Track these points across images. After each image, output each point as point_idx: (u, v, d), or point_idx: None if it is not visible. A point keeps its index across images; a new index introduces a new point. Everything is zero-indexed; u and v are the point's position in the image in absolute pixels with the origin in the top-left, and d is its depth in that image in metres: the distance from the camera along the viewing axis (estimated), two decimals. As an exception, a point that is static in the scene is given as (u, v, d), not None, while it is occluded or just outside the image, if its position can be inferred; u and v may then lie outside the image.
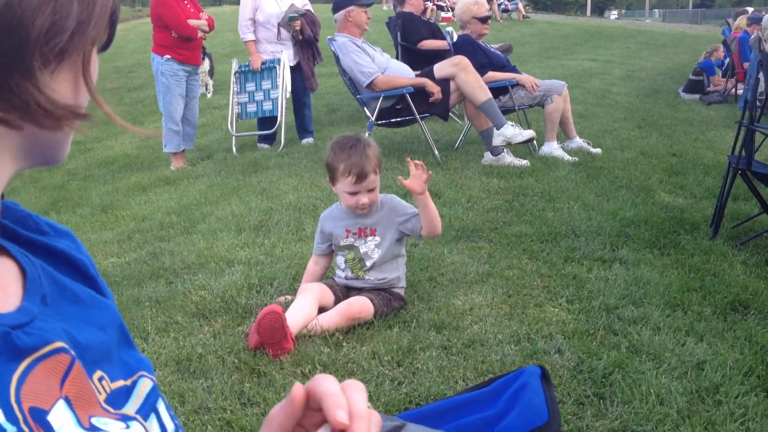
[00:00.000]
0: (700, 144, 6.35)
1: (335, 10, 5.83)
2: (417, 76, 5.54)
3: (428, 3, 15.09)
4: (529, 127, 5.62)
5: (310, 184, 5.02)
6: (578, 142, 5.91)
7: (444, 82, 5.36)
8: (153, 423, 0.60)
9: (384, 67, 5.56)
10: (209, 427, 2.07)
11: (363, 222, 2.91)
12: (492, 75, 5.77)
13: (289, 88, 6.82)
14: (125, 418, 0.56)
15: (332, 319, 2.69)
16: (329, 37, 5.88)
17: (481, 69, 5.59)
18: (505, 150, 5.31)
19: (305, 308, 2.70)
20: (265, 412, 2.09)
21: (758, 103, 4.38)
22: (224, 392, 2.25)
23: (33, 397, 0.48)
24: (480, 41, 6.10)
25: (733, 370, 2.27)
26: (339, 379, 0.56)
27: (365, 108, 5.72)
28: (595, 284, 3.03)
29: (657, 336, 2.53)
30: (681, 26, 29.35)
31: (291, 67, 6.90)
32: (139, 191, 5.84)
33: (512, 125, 5.22)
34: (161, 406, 0.62)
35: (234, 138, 7.03)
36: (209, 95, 10.97)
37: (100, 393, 0.55)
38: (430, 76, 5.44)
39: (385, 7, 21.03)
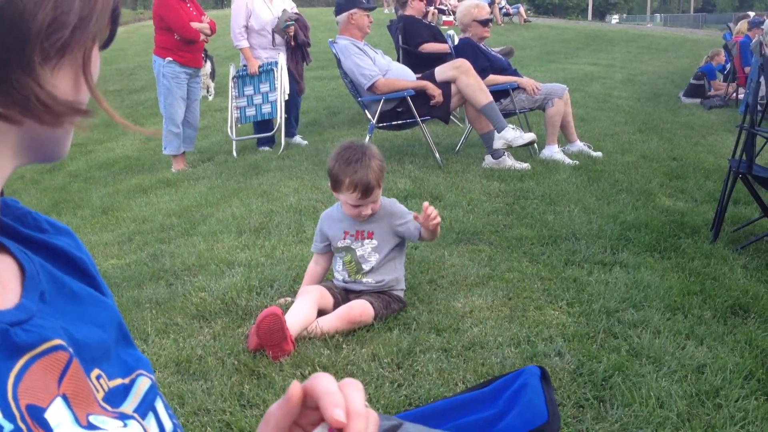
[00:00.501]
0: (700, 148, 6.35)
1: (337, 13, 5.84)
2: (418, 79, 5.54)
3: (430, 7, 15.10)
4: (530, 131, 5.62)
5: (310, 186, 5.02)
6: (579, 145, 5.91)
7: (445, 85, 5.36)
8: (151, 422, 0.60)
9: (385, 69, 5.56)
10: (209, 428, 2.07)
11: (361, 225, 2.91)
12: (493, 78, 5.77)
13: (287, 90, 6.83)
14: (123, 417, 0.56)
15: (332, 322, 2.69)
16: (330, 39, 5.88)
17: (482, 72, 5.60)
18: (505, 153, 5.31)
19: (305, 310, 2.70)
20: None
21: (759, 107, 4.38)
22: (224, 394, 2.25)
23: (30, 394, 0.48)
24: (481, 44, 6.11)
25: (734, 374, 2.26)
26: (338, 380, 0.56)
27: (366, 110, 5.72)
28: (596, 287, 3.03)
29: (657, 339, 2.53)
30: (682, 31, 29.37)
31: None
32: (139, 193, 5.84)
33: (513, 128, 5.22)
34: (159, 405, 0.62)
35: (234, 142, 7.04)
36: (210, 98, 10.98)
37: (98, 391, 0.55)
38: (432, 79, 5.44)
39: (386, 11, 21.06)
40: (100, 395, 0.55)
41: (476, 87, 5.24)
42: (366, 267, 2.91)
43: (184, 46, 6.43)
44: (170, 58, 6.41)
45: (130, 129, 0.58)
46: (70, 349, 0.53)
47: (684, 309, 2.82)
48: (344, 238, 2.92)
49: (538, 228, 3.86)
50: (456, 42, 6.64)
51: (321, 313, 2.76)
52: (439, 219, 2.78)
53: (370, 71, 5.48)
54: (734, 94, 9.94)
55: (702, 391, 2.16)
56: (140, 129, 0.68)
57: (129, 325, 2.77)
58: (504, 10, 22.78)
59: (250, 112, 7.04)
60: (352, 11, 5.73)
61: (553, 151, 5.62)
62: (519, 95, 5.82)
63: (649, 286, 3.02)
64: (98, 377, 0.56)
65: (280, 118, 6.82)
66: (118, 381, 0.59)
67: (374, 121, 5.58)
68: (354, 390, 0.55)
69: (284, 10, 6.76)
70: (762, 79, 6.16)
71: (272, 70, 6.81)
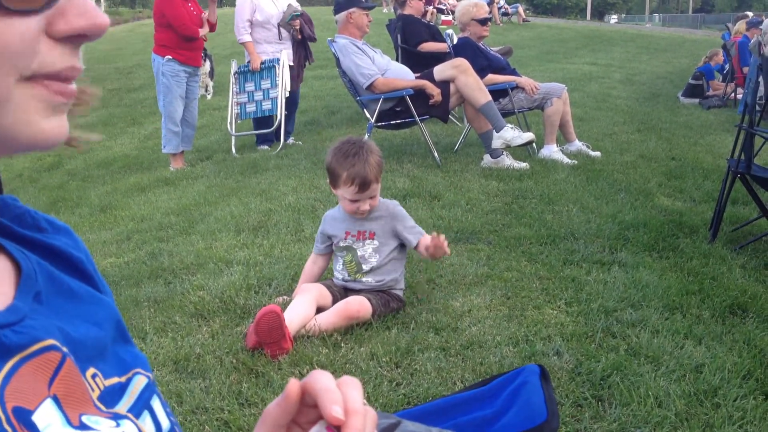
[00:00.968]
0: (699, 148, 6.36)
1: (336, 12, 5.84)
2: (417, 78, 5.54)
3: (428, 6, 15.10)
4: (528, 130, 5.63)
5: (309, 185, 5.02)
6: (578, 145, 5.91)
7: (444, 85, 5.36)
8: (146, 420, 0.59)
9: (384, 69, 5.56)
10: (207, 427, 2.06)
11: (363, 225, 2.91)
12: (492, 77, 5.77)
13: (288, 88, 6.83)
14: (116, 417, 0.55)
15: (330, 319, 2.68)
16: (330, 38, 5.88)
17: (481, 71, 5.59)
18: (504, 152, 5.31)
19: (303, 308, 2.69)
20: (263, 413, 2.09)
21: (758, 107, 4.38)
22: (222, 392, 2.25)
23: (17, 396, 0.47)
24: (480, 44, 6.11)
25: (732, 373, 2.27)
26: (336, 379, 0.56)
27: (365, 110, 5.72)
28: (594, 287, 3.03)
29: (655, 339, 2.53)
30: (681, 31, 29.39)
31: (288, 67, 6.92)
32: (138, 192, 5.84)
33: (512, 128, 5.23)
34: (156, 403, 0.62)
35: (233, 138, 7.03)
36: (209, 97, 10.98)
37: (93, 390, 0.55)
38: (430, 78, 5.44)
39: (385, 10, 21.07)
40: (95, 394, 0.55)
41: (475, 86, 5.24)
42: (366, 267, 2.90)
43: (184, 44, 6.43)
44: (169, 57, 6.40)
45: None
46: (64, 349, 0.52)
47: (682, 308, 2.82)
48: (346, 238, 2.92)
49: (537, 227, 3.86)
50: (455, 41, 6.64)
51: (319, 310, 2.76)
52: (447, 252, 2.79)
53: (368, 70, 5.47)
54: (733, 94, 9.95)
55: (700, 391, 2.16)
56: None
57: (127, 324, 2.76)
58: (503, 10, 22.79)
59: (251, 108, 7.04)
60: (351, 10, 5.73)
61: (551, 151, 5.62)
62: (518, 95, 5.82)
63: (648, 285, 3.02)
64: (94, 376, 0.56)
65: (280, 115, 6.81)
66: (115, 380, 0.59)
67: (373, 121, 5.58)
68: (352, 388, 0.55)
69: (289, 5, 6.77)
70: (761, 79, 6.16)
71: (274, 66, 6.80)
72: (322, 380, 0.55)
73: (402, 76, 5.57)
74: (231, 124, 7.06)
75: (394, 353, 2.46)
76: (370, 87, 5.47)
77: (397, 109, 5.55)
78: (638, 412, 2.05)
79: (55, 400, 0.50)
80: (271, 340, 2.45)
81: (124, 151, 8.15)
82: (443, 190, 4.67)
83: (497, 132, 5.20)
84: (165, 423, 0.61)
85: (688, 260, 3.39)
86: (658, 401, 2.11)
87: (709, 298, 2.90)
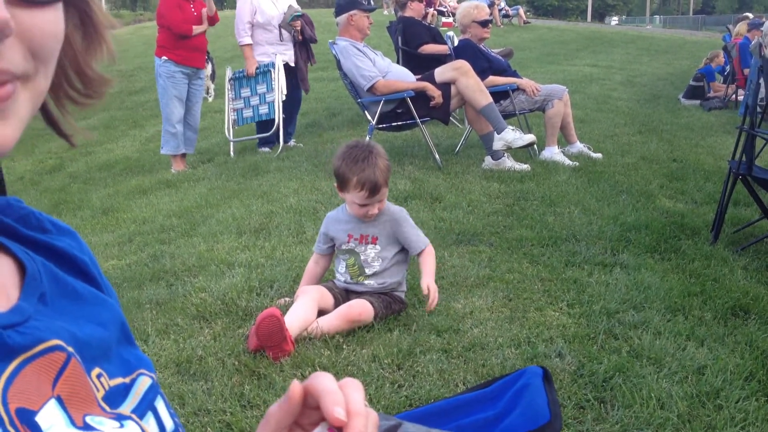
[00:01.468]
0: (700, 149, 6.36)
1: (337, 14, 5.84)
2: (418, 80, 5.55)
3: (429, 8, 15.12)
4: (529, 132, 5.63)
5: (310, 187, 5.02)
6: (579, 146, 5.91)
7: (445, 86, 5.37)
8: (150, 421, 0.59)
9: (385, 71, 5.56)
10: (209, 429, 2.06)
11: (366, 229, 2.90)
12: (493, 79, 5.77)
13: (284, 91, 6.83)
14: (120, 417, 0.55)
15: (332, 322, 2.68)
16: (330, 40, 5.89)
17: (482, 73, 5.60)
18: (505, 154, 5.31)
19: (304, 311, 2.69)
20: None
21: (759, 109, 4.38)
22: (224, 394, 2.25)
23: (21, 397, 0.47)
24: (481, 46, 6.11)
25: (734, 375, 2.26)
26: (338, 380, 0.56)
27: (366, 112, 5.72)
28: (596, 288, 3.03)
29: (658, 340, 2.53)
30: (681, 32, 29.39)
31: (289, 68, 6.91)
32: (139, 194, 5.84)
33: (513, 130, 5.22)
34: (160, 405, 0.62)
35: (231, 144, 7.04)
36: (210, 99, 10.99)
37: (98, 390, 0.55)
38: (431, 80, 5.44)
39: (386, 12, 21.06)
40: (100, 394, 0.55)
41: (476, 88, 5.25)
42: (369, 271, 2.90)
43: (180, 44, 6.44)
44: (165, 57, 6.44)
45: None
46: (69, 349, 0.52)
47: (684, 310, 2.82)
48: (348, 241, 2.92)
49: (539, 229, 3.86)
50: (455, 43, 6.64)
51: (321, 313, 2.76)
52: (434, 302, 2.80)
53: (369, 72, 5.48)
54: (733, 96, 9.95)
55: (702, 392, 2.16)
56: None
57: (130, 326, 2.77)
58: (503, 12, 22.80)
59: (247, 113, 7.05)
60: (351, 12, 5.73)
61: (552, 153, 5.62)
62: (519, 96, 5.82)
63: (650, 287, 3.02)
64: (99, 376, 0.56)
65: (278, 118, 6.81)
66: (119, 380, 0.59)
67: (374, 123, 5.58)
68: (354, 390, 0.55)
69: (290, 6, 6.77)
70: (761, 81, 6.15)
71: (269, 71, 6.80)
72: (324, 382, 0.55)
73: (403, 78, 5.58)
74: (228, 130, 7.08)
75: (396, 355, 2.46)
76: (371, 89, 5.47)
77: (398, 111, 5.55)
78: (641, 413, 2.05)
79: (59, 400, 0.50)
80: (272, 344, 2.46)
81: (125, 154, 8.15)
82: (444, 191, 4.67)
83: (498, 134, 5.20)
84: (169, 424, 0.61)
85: (690, 262, 3.39)
86: (661, 403, 2.11)
87: (711, 300, 2.90)
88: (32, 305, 0.53)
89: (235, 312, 2.92)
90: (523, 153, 5.71)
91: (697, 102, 9.96)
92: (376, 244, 2.89)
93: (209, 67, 10.68)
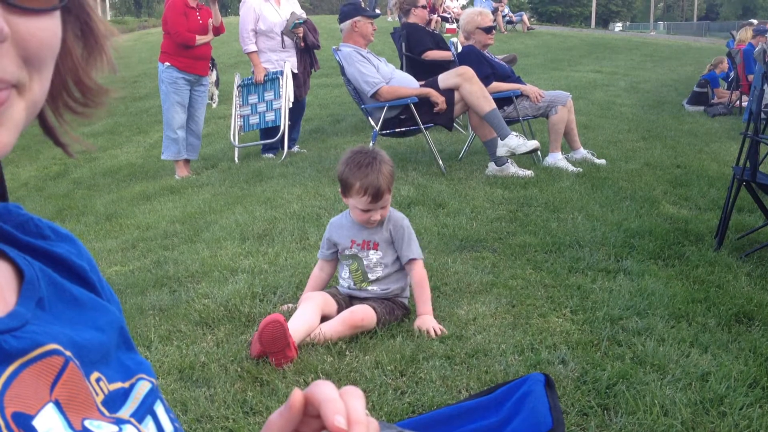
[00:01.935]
0: (704, 156, 6.35)
1: (341, 20, 5.86)
2: (421, 86, 5.55)
3: (433, 15, 15.14)
4: (533, 138, 5.63)
5: (314, 193, 5.02)
6: (583, 153, 5.91)
7: (448, 92, 5.37)
8: (149, 425, 0.59)
9: (388, 77, 5.57)
10: (211, 435, 2.06)
11: (368, 235, 2.91)
12: (496, 85, 5.77)
13: (291, 98, 6.84)
14: (119, 422, 0.55)
15: (335, 327, 2.68)
16: (334, 47, 5.90)
17: (486, 79, 5.60)
18: (509, 160, 5.31)
19: (308, 317, 2.69)
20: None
21: (763, 115, 4.38)
22: (227, 401, 2.25)
23: (17, 402, 0.47)
24: (484, 52, 6.11)
25: (738, 382, 2.26)
26: (340, 388, 0.56)
27: (370, 118, 5.73)
28: (600, 295, 3.02)
29: (661, 347, 2.52)
30: (685, 38, 29.37)
31: (292, 75, 6.93)
32: (143, 200, 5.85)
33: (516, 136, 5.22)
34: (159, 409, 0.62)
35: (236, 150, 7.06)
36: (214, 105, 11.00)
37: (97, 394, 0.55)
38: (435, 86, 5.45)
39: (389, 18, 21.08)
40: (99, 398, 0.55)
41: (479, 94, 5.25)
42: (372, 276, 2.90)
43: (183, 52, 6.46)
44: (168, 63, 6.46)
45: None
46: (67, 353, 0.53)
47: (688, 317, 2.81)
48: (351, 247, 2.92)
49: (542, 235, 3.86)
50: (459, 49, 6.65)
51: (324, 319, 2.76)
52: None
53: (373, 78, 5.49)
54: (738, 102, 9.93)
55: (706, 399, 2.15)
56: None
57: (132, 332, 2.76)
58: (507, 18, 22.79)
59: (254, 120, 7.06)
60: (355, 19, 5.75)
61: (556, 159, 5.62)
62: (522, 103, 5.82)
63: (653, 293, 3.02)
64: (98, 380, 0.56)
65: (284, 124, 6.82)
66: (118, 385, 0.59)
67: (377, 129, 5.58)
68: (355, 398, 0.55)
69: (292, 13, 6.79)
70: (765, 87, 6.15)
71: (277, 78, 6.82)
72: (324, 390, 0.55)
73: (406, 84, 5.59)
74: (234, 136, 7.10)
75: (399, 361, 2.46)
76: (375, 95, 5.48)
77: (402, 117, 5.56)
78: (644, 420, 2.04)
79: (57, 404, 0.50)
80: (275, 350, 2.45)
81: (129, 160, 8.17)
82: (448, 198, 4.67)
83: (502, 140, 5.20)
84: (168, 428, 0.61)
85: (693, 268, 3.38)
86: (664, 410, 2.10)
87: (715, 306, 2.89)
88: (30, 310, 0.53)
89: (238, 318, 2.92)
90: (526, 159, 5.71)
91: (701, 108, 9.94)
92: (377, 250, 2.89)
93: (214, 73, 10.71)
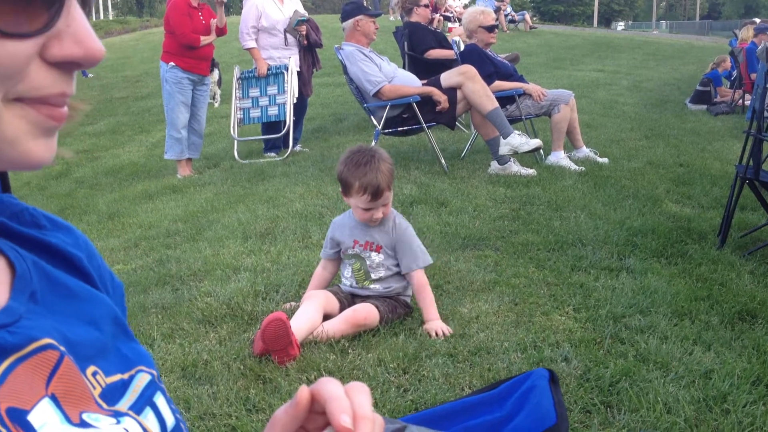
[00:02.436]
0: (707, 154, 6.34)
1: (344, 19, 5.86)
2: (424, 85, 5.55)
3: (435, 13, 15.12)
4: (535, 137, 5.62)
5: (316, 192, 5.02)
6: (585, 151, 5.90)
7: (451, 91, 5.37)
8: (149, 416, 0.59)
9: (391, 76, 5.57)
10: (214, 432, 2.06)
11: (371, 236, 2.91)
12: (499, 84, 5.77)
13: (296, 94, 6.84)
14: (117, 414, 0.55)
15: (337, 326, 2.68)
16: (336, 45, 5.90)
17: (488, 78, 5.60)
18: (511, 159, 5.30)
19: (310, 315, 2.69)
20: (271, 419, 2.09)
21: (766, 113, 4.37)
22: (229, 398, 2.25)
23: (12, 397, 0.47)
24: (487, 51, 6.11)
25: (741, 379, 2.25)
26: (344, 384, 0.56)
27: (372, 117, 5.73)
28: (602, 293, 3.02)
29: (664, 345, 2.52)
30: (688, 37, 29.32)
31: (298, 72, 6.93)
32: (145, 199, 5.86)
33: (519, 134, 5.22)
34: (160, 400, 0.62)
35: (236, 142, 7.04)
36: (216, 104, 11.01)
37: (94, 388, 0.55)
38: (437, 85, 5.45)
39: (392, 17, 21.03)
40: (96, 392, 0.55)
41: (482, 93, 5.25)
42: (374, 276, 2.90)
43: (187, 52, 6.46)
44: (173, 63, 6.45)
45: None
46: (62, 348, 0.52)
47: (691, 315, 2.81)
48: (354, 247, 2.92)
49: (545, 234, 3.86)
50: (461, 48, 6.65)
51: (327, 317, 2.76)
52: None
53: (375, 77, 5.49)
54: (740, 101, 9.91)
55: (709, 397, 2.15)
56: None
57: (135, 330, 2.77)
58: (509, 17, 22.77)
59: (255, 113, 7.04)
60: (358, 18, 5.75)
61: (559, 157, 5.61)
62: (525, 101, 5.82)
63: (656, 291, 3.01)
64: (94, 374, 0.56)
65: (289, 120, 6.81)
66: (117, 377, 0.59)
67: (380, 128, 5.58)
68: (361, 393, 0.55)
69: (295, 11, 6.79)
70: (768, 85, 6.14)
71: (282, 73, 6.81)
72: (330, 388, 0.55)
73: (409, 83, 5.58)
74: (234, 128, 7.07)
75: (402, 359, 2.46)
76: (377, 94, 5.48)
77: (404, 116, 5.56)
78: (647, 418, 2.04)
79: (54, 399, 0.50)
80: (278, 348, 2.45)
81: (131, 159, 8.18)
82: (450, 196, 4.67)
83: (504, 138, 5.20)
84: (170, 420, 0.61)
85: (696, 266, 3.38)
86: (667, 407, 2.10)
87: (718, 304, 2.89)
88: (23, 304, 0.53)
89: (240, 316, 2.93)
90: (529, 158, 5.70)
91: (704, 107, 9.93)
92: (380, 253, 2.89)
93: (216, 72, 10.71)
